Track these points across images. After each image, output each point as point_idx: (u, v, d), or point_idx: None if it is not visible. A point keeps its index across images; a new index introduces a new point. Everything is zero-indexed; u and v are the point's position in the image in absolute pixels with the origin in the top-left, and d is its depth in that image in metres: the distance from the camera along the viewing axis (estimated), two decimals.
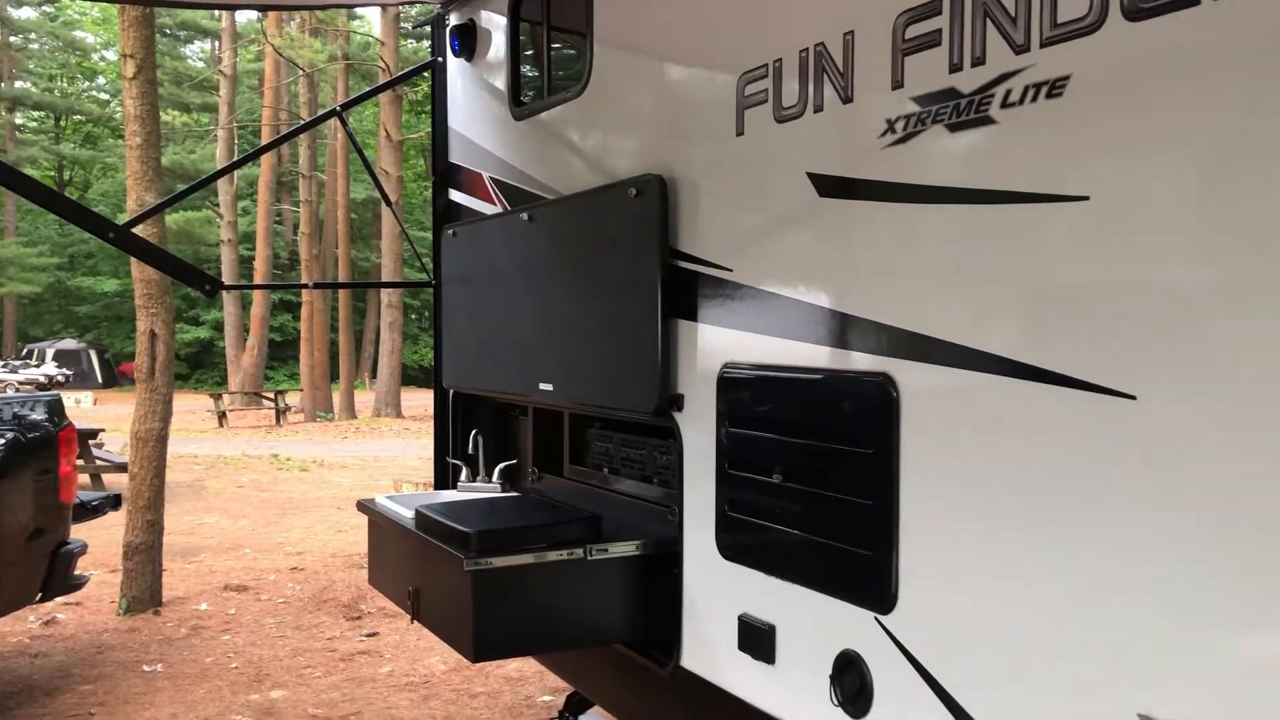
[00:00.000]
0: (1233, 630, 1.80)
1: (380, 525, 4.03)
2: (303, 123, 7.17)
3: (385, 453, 19.45)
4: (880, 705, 2.53)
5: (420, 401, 32.30)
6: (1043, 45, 2.13)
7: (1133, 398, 1.95)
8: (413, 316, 43.78)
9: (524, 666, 6.46)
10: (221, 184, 30.03)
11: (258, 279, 30.23)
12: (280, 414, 25.94)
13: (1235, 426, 1.79)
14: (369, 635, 7.15)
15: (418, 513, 3.66)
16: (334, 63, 29.76)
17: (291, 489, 14.41)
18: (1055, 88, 2.10)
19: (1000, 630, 2.23)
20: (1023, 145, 2.18)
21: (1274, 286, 1.73)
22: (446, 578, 3.36)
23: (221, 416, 25.23)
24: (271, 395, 27.33)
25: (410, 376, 39.26)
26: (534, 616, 3.31)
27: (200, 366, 44.00)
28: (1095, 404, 2.02)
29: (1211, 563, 1.82)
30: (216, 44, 41.70)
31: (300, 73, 29.14)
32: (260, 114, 33.40)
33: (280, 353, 40.98)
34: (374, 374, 35.82)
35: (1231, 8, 1.80)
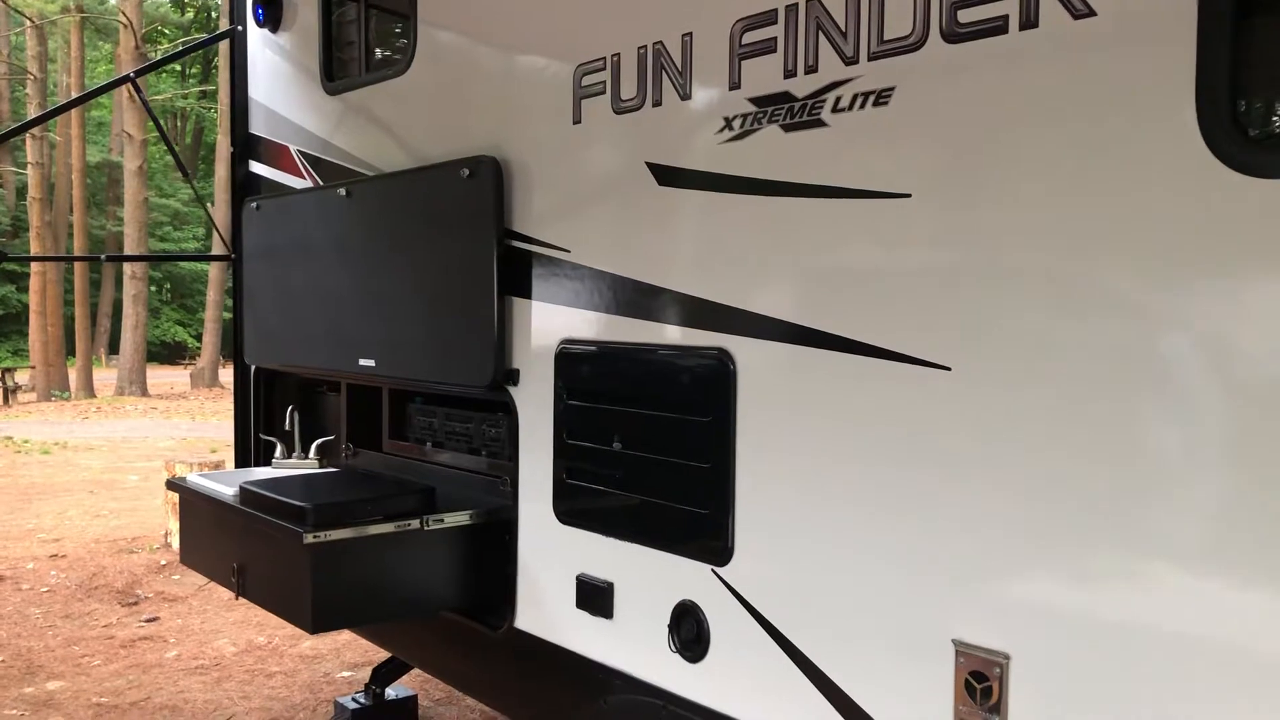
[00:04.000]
0: (1030, 568, 2.15)
1: (196, 504, 3.96)
2: (93, 88, 6.75)
3: (133, 433, 18.41)
4: (717, 648, 2.79)
5: (166, 379, 30.64)
6: (870, 59, 2.41)
7: (948, 369, 2.27)
8: (153, 289, 41.30)
9: (319, 644, 6.43)
10: None
11: None
12: (9, 393, 23.98)
13: (1034, 393, 2.13)
14: (149, 620, 6.89)
15: (243, 489, 3.64)
16: (67, 14, 27.53)
17: (34, 473, 13.45)
18: (881, 97, 2.39)
19: (828, 575, 2.52)
20: (851, 147, 2.46)
21: (1065, 275, 2.08)
22: (281, 553, 3.38)
23: None
24: None
25: (152, 353, 37.06)
26: (371, 587, 3.39)
27: None
28: (914, 374, 2.33)
29: (1013, 511, 2.16)
30: None
31: (28, 23, 26.78)
32: None
33: (3, 327, 37.73)
34: (111, 350, 33.62)
35: (1033, 37, 2.12)
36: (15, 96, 32.41)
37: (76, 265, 28.50)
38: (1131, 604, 2.00)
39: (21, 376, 26.24)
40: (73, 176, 28.63)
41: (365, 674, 5.43)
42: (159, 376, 30.71)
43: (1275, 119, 1.91)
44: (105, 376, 29.02)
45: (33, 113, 27.46)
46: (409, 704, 5.25)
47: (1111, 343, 2.01)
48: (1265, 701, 1.84)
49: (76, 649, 6.37)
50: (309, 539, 3.20)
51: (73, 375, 26.70)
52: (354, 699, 5.15)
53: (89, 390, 25.83)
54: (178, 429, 19.20)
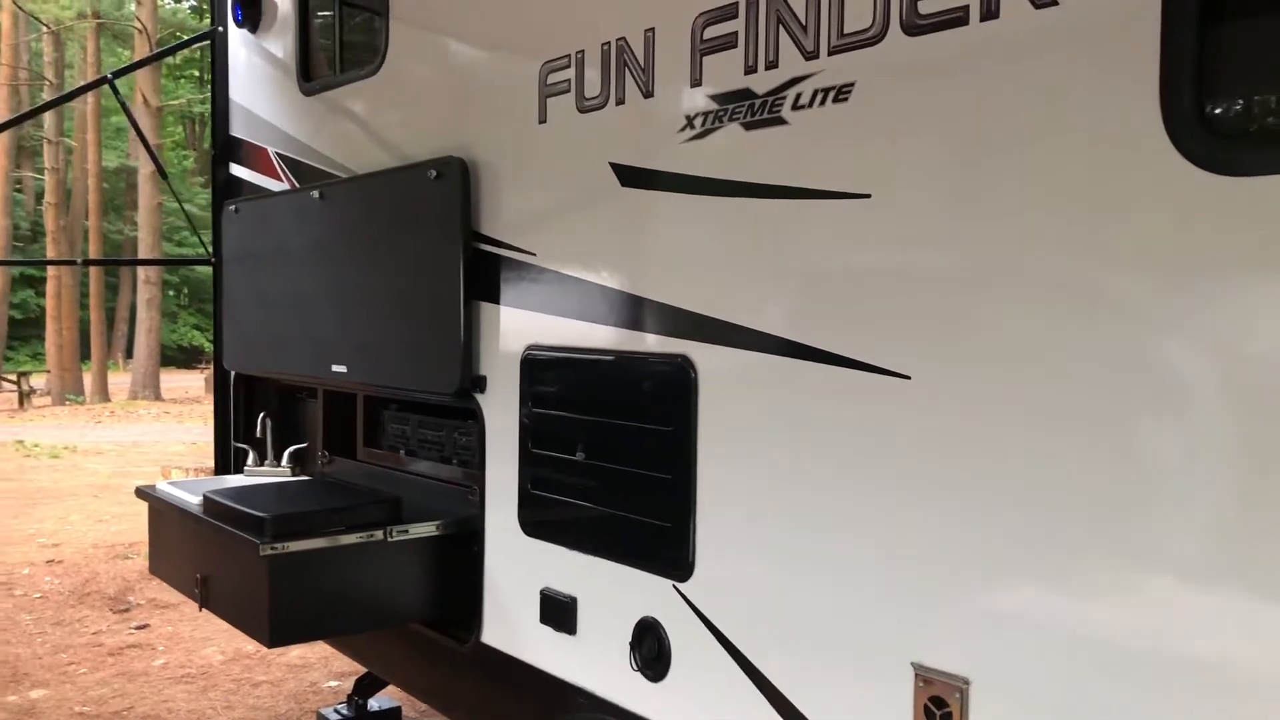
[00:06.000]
0: (991, 589, 2.03)
1: (163, 513, 3.88)
2: (60, 86, 6.71)
3: (145, 437, 18.43)
4: (678, 668, 2.68)
5: (180, 383, 30.69)
6: (831, 53, 2.30)
7: (907, 377, 2.16)
8: (170, 294, 41.44)
9: (307, 652, 6.35)
10: None
11: None
12: (24, 397, 24.10)
13: (996, 403, 2.01)
14: (139, 628, 6.83)
15: (205, 498, 3.55)
16: (83, 21, 27.67)
17: (41, 477, 13.46)
18: (841, 93, 2.29)
19: (788, 593, 2.41)
20: (811, 145, 2.35)
21: (1029, 281, 1.97)
22: (239, 564, 3.29)
23: None
24: (13, 377, 25.33)
25: (169, 357, 37.19)
26: (333, 600, 3.29)
27: None
28: (874, 383, 2.22)
29: (973, 527, 2.05)
30: None
31: (44, 30, 26.94)
32: None
33: (22, 331, 37.84)
34: (128, 354, 33.75)
35: (995, 28, 2.01)
36: (34, 102, 32.56)
37: (92, 270, 28.58)
38: (1097, 627, 1.88)
39: (37, 380, 26.36)
40: (89, 181, 28.75)
41: (353, 684, 5.34)
42: (175, 380, 30.78)
43: (1242, 114, 1.79)
44: (122, 380, 29.11)
45: (48, 118, 27.62)
46: (392, 715, 5.15)
47: (1077, 349, 1.90)
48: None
49: (64, 656, 6.31)
50: (265, 550, 3.11)
51: (87, 379, 26.80)
52: (336, 710, 5.06)
53: (104, 394, 25.91)
54: (189, 433, 19.20)
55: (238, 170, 4.82)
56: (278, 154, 4.51)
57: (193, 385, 30.33)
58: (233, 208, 4.65)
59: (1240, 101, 1.78)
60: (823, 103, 2.32)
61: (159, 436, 18.57)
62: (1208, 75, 1.76)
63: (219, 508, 3.44)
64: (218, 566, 3.47)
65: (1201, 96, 1.76)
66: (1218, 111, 1.78)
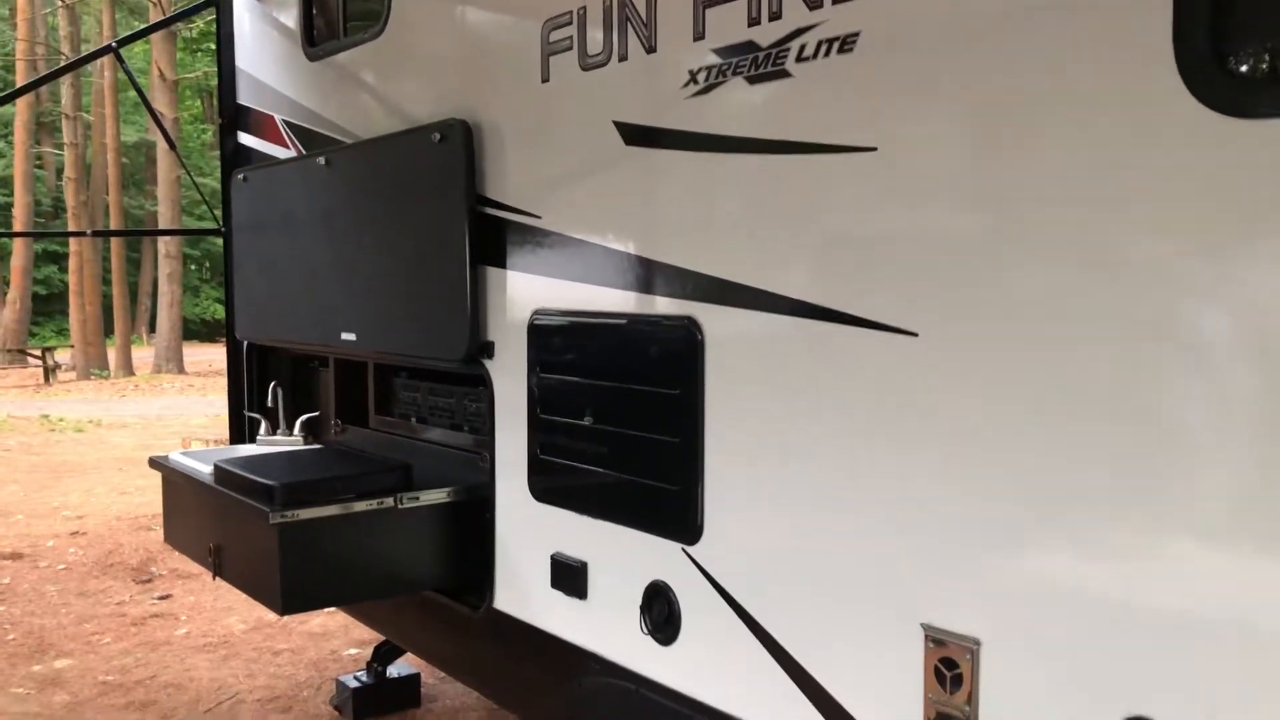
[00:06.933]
0: (1003, 549, 1.99)
1: (176, 482, 3.89)
2: (73, 59, 6.70)
3: (168, 411, 18.54)
4: (688, 630, 2.66)
5: (204, 357, 30.89)
6: (835, 2, 2.24)
7: (914, 335, 2.11)
8: (193, 268, 41.64)
9: (328, 621, 6.38)
10: None
11: (18, 228, 28.00)
12: (49, 372, 24.28)
13: (1006, 359, 1.96)
14: (162, 598, 6.88)
15: (217, 468, 3.55)
16: None
17: (66, 451, 13.57)
18: (846, 43, 2.22)
19: (797, 555, 2.38)
20: (816, 98, 2.30)
21: (1039, 234, 1.91)
22: (250, 532, 3.29)
23: None
24: (38, 352, 25.54)
25: (192, 330, 37.41)
26: (344, 567, 3.29)
27: None
28: (880, 341, 2.17)
29: (983, 486, 2.01)
30: None
31: (60, 4, 26.91)
32: (14, 48, 30.74)
33: (46, 307, 38.15)
34: (152, 329, 33.96)
35: None
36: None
37: (113, 244, 28.70)
38: (1109, 588, 1.84)
39: (62, 356, 26.57)
40: (108, 156, 28.81)
41: (372, 651, 5.36)
42: (199, 354, 30.94)
43: (1258, 55, 1.72)
44: (146, 354, 29.30)
45: (66, 93, 27.65)
46: (411, 682, 5.18)
47: (1090, 303, 1.84)
48: (1251, 683, 1.68)
49: (88, 626, 6.37)
50: (275, 518, 3.10)
51: (111, 354, 26.99)
52: (355, 677, 5.08)
53: (128, 368, 26.09)
54: (212, 406, 19.27)
55: (246, 139, 4.80)
56: (284, 121, 4.47)
57: (216, 358, 30.46)
58: (241, 176, 4.62)
59: (1256, 42, 1.71)
60: (827, 54, 2.26)
61: (183, 410, 18.67)
62: (1222, 16, 1.69)
63: (230, 477, 3.43)
64: (230, 535, 3.48)
65: (1216, 38, 1.69)
66: (1233, 53, 1.71)
